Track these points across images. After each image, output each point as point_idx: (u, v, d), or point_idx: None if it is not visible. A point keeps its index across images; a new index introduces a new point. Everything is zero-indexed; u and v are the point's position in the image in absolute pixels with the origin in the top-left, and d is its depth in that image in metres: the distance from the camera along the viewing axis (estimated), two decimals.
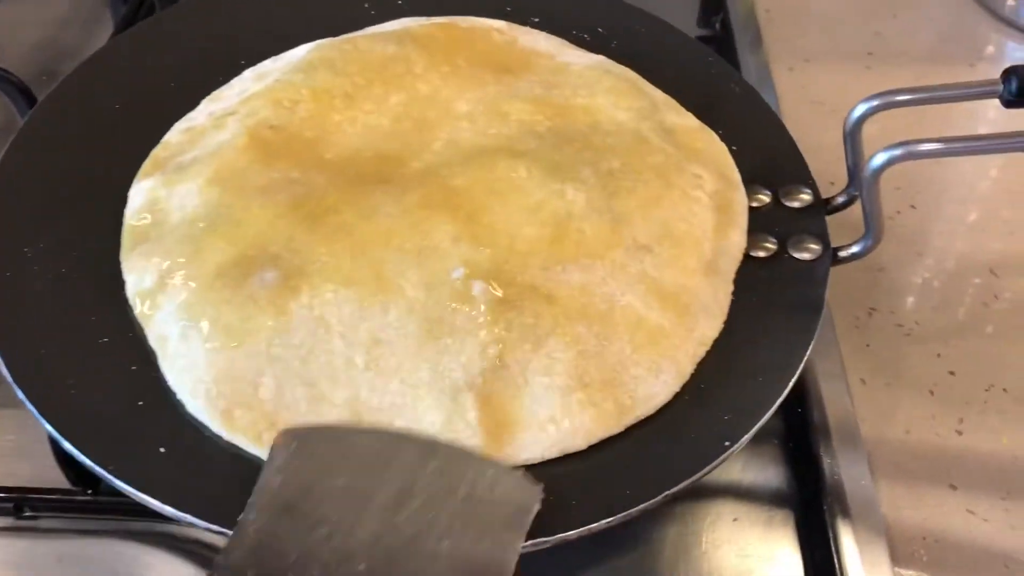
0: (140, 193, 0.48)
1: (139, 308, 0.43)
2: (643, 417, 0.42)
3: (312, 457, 0.37)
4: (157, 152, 0.50)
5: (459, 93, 0.52)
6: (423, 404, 0.40)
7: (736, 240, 0.48)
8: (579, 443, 0.40)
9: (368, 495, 0.36)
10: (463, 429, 0.39)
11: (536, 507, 0.37)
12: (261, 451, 0.39)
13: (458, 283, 0.41)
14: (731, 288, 0.46)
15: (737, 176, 0.51)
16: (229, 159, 0.47)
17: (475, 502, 0.36)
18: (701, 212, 0.47)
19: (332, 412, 0.40)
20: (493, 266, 0.42)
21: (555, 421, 0.40)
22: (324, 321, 0.41)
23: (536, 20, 0.57)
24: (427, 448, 0.38)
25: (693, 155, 0.50)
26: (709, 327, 0.44)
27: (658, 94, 0.54)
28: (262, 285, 0.42)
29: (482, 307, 0.41)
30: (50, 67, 0.72)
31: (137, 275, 0.44)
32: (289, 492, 0.36)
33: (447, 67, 0.53)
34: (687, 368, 0.43)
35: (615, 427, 0.41)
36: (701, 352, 0.44)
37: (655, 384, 0.42)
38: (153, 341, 0.42)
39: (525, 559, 0.37)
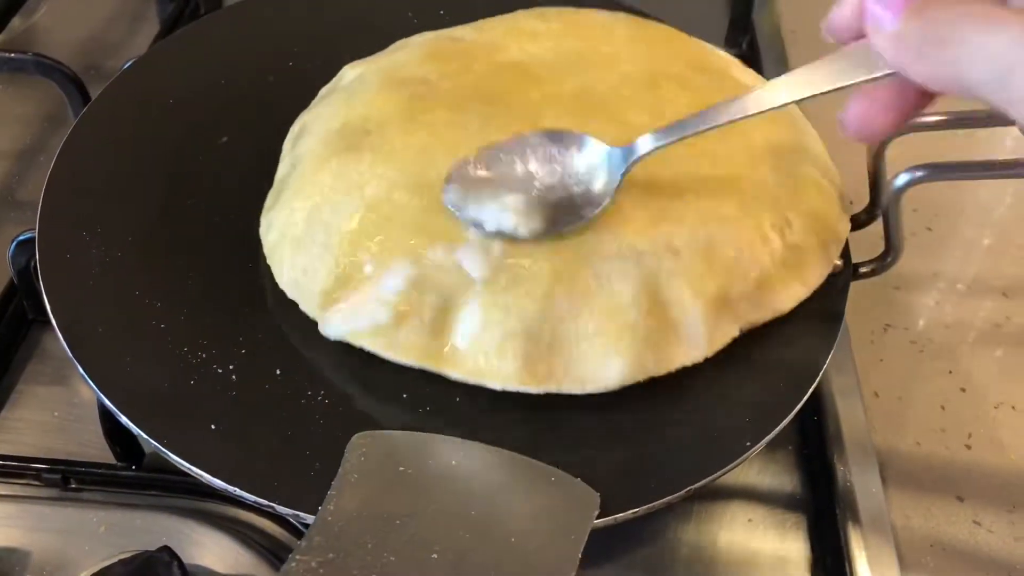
0: None
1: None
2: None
3: (388, 458, 0.39)
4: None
5: (633, 58, 0.52)
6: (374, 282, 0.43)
7: (776, 304, 0.46)
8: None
9: (439, 495, 0.38)
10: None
11: (596, 512, 0.38)
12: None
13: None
14: (734, 333, 0.45)
15: (835, 250, 0.48)
16: (403, 55, 0.53)
17: (541, 506, 0.38)
18: (761, 255, 0.45)
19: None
20: None
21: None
22: (360, 187, 0.45)
23: None
24: (494, 453, 0.40)
25: (799, 203, 0.47)
26: (682, 353, 0.43)
27: (814, 146, 0.52)
28: (341, 146, 0.47)
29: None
30: (96, 63, 0.74)
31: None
32: (365, 488, 0.38)
33: (644, 45, 0.54)
34: (635, 370, 0.43)
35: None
36: (661, 369, 0.43)
37: (599, 368, 0.42)
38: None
39: None
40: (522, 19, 0.55)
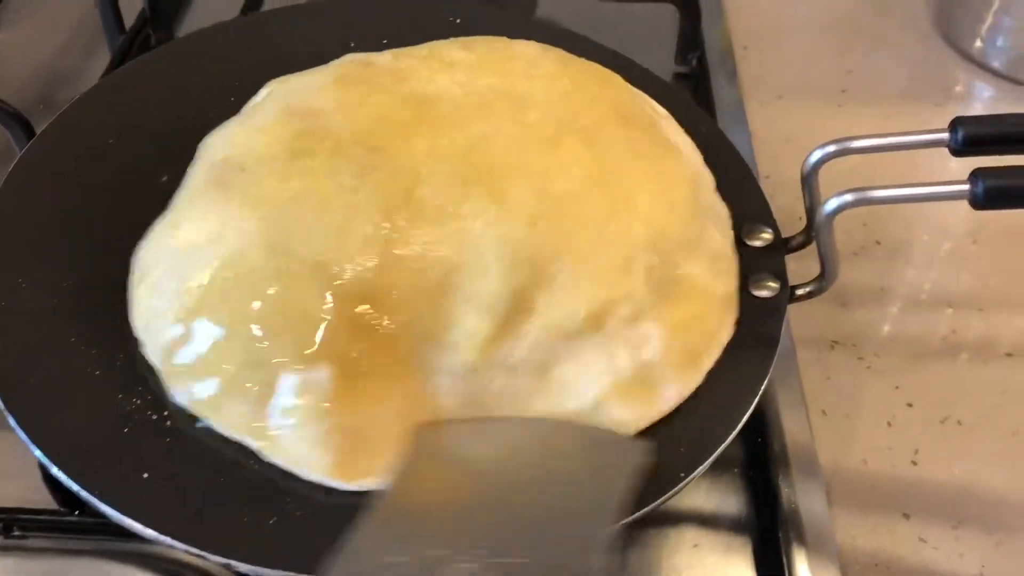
0: None
1: None
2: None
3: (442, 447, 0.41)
4: None
5: (547, 100, 0.50)
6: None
7: (615, 421, 0.43)
8: None
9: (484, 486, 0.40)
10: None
11: (638, 459, 0.40)
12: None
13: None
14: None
15: (708, 359, 0.46)
16: (316, 77, 0.52)
17: (577, 469, 0.40)
18: (602, 376, 0.43)
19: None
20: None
21: None
22: (220, 238, 0.44)
23: None
24: (526, 426, 0.42)
25: (668, 315, 0.45)
26: None
27: (710, 233, 0.49)
28: (215, 182, 0.47)
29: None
30: (47, 95, 0.74)
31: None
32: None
33: (567, 84, 0.51)
34: None
35: None
36: None
37: None
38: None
39: None
40: (445, 47, 0.54)
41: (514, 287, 0.43)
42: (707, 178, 0.53)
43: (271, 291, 0.42)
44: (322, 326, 0.41)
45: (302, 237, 0.43)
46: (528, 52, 0.54)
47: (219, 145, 0.50)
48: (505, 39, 0.55)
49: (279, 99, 0.51)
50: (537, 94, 0.50)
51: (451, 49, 0.53)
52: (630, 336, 0.44)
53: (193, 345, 0.43)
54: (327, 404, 0.41)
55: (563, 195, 0.46)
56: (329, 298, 0.42)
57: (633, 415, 0.43)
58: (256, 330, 0.42)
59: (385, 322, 0.42)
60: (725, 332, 0.47)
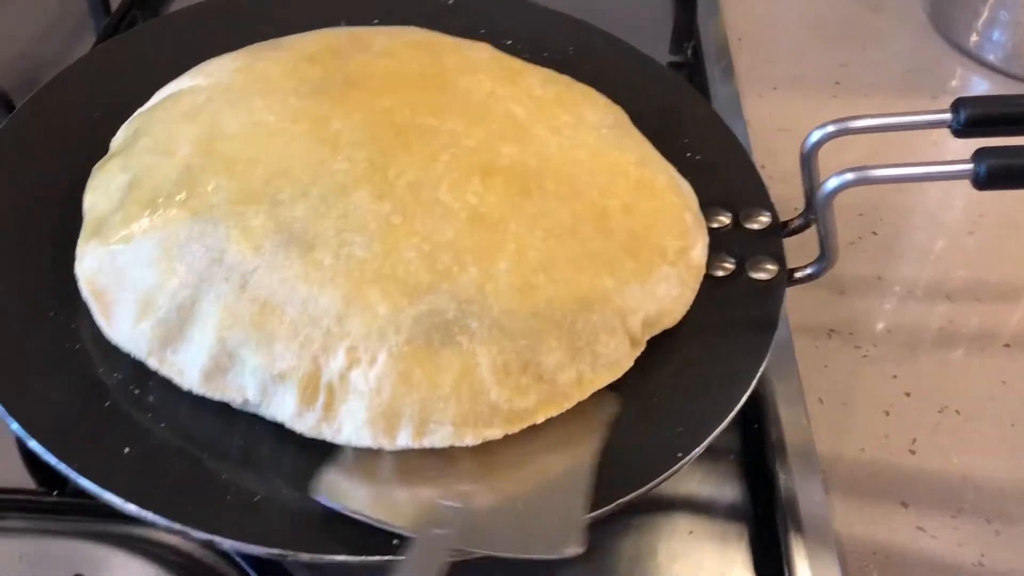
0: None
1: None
2: None
3: None
4: None
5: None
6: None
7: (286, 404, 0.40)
8: None
9: None
10: None
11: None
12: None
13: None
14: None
15: (400, 442, 0.40)
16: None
17: None
18: (295, 353, 0.40)
19: None
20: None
21: None
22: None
23: (508, 42, 0.59)
24: None
25: (419, 363, 0.40)
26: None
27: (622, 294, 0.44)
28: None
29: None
30: (31, 76, 0.73)
31: None
32: None
33: (598, 165, 0.49)
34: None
35: None
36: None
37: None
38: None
39: (472, 569, 0.38)
40: (530, 74, 0.54)
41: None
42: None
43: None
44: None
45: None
46: (590, 119, 0.52)
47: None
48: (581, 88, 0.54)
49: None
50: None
51: (534, 79, 0.53)
52: (364, 348, 0.40)
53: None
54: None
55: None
56: None
57: (298, 411, 0.40)
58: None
59: None
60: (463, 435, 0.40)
